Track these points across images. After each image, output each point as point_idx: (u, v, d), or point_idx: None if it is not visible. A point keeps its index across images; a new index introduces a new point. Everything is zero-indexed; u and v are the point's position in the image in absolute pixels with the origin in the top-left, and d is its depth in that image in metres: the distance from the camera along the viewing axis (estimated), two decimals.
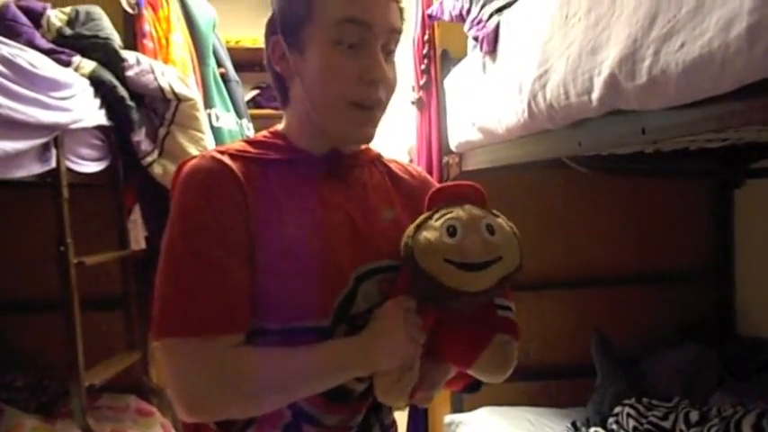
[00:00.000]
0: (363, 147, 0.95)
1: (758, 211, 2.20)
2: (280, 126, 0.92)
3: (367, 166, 0.95)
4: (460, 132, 1.96)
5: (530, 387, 2.26)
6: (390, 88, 0.86)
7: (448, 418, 2.24)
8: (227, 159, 0.82)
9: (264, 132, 0.92)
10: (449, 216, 0.78)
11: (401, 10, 0.85)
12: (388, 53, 0.84)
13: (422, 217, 0.81)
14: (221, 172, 0.80)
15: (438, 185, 0.85)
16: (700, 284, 2.34)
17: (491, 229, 0.77)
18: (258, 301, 0.79)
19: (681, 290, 2.34)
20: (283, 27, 0.84)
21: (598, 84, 0.96)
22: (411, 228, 0.80)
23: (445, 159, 2.16)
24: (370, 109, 0.84)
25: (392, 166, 0.99)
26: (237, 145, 0.88)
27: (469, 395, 2.15)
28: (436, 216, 0.79)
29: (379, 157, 0.99)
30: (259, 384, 0.78)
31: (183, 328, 0.76)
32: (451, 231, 0.76)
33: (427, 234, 0.77)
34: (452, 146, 2.08)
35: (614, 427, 1.81)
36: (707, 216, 2.33)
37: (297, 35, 0.82)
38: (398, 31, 0.84)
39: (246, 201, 0.80)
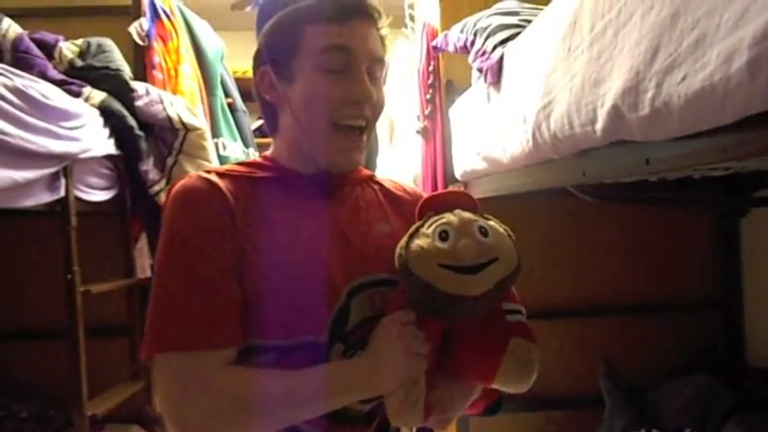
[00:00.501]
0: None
1: (764, 240, 2.20)
2: (268, 152, 0.94)
3: (359, 184, 0.96)
4: (465, 161, 1.98)
5: (536, 417, 2.22)
6: (377, 108, 0.88)
7: None
8: (214, 177, 0.83)
9: (253, 158, 0.95)
10: (440, 222, 0.77)
11: (382, 38, 0.87)
12: (373, 78, 0.86)
13: (413, 227, 0.80)
14: (208, 190, 0.82)
15: (427, 195, 0.85)
16: (707, 314, 2.32)
17: (484, 231, 0.76)
18: (251, 319, 0.79)
19: (688, 319, 2.32)
20: (271, 58, 0.86)
21: (601, 115, 0.97)
22: (404, 239, 0.79)
23: (450, 188, 2.17)
24: (357, 133, 0.86)
25: (386, 183, 1.00)
26: (226, 165, 0.90)
27: (477, 423, 2.13)
28: (427, 224, 0.79)
29: (371, 177, 1.00)
30: (253, 405, 0.77)
31: (171, 343, 0.76)
32: (444, 236, 0.75)
33: (419, 241, 0.76)
34: (457, 174, 2.09)
35: None
36: (713, 245, 2.32)
37: (285, 65, 0.85)
38: (380, 60, 0.87)
39: (234, 218, 0.81)
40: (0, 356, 2.17)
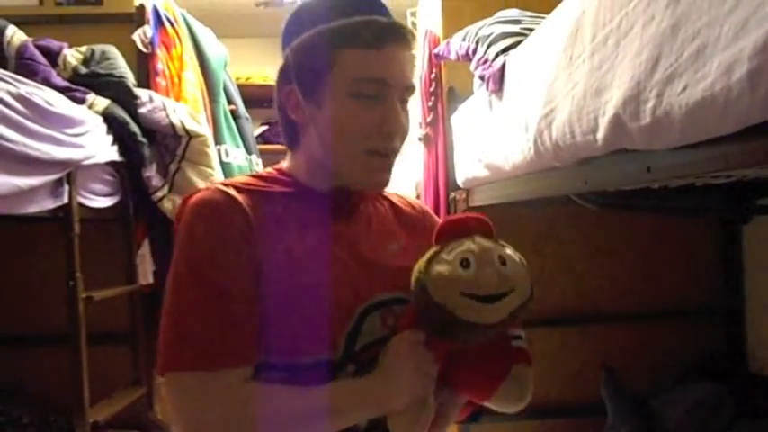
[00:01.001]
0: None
1: (766, 247, 2.19)
2: (284, 164, 0.93)
3: (371, 201, 0.96)
4: (467, 168, 1.98)
5: (539, 425, 2.22)
6: (405, 137, 0.88)
7: None
8: (233, 192, 0.83)
9: (269, 169, 0.93)
10: (461, 249, 0.78)
11: (413, 61, 0.87)
12: (403, 103, 0.86)
13: (432, 251, 0.81)
14: (228, 204, 0.81)
15: (445, 218, 0.85)
16: (709, 321, 2.31)
17: (503, 261, 0.77)
18: (263, 335, 0.79)
19: (690, 326, 2.31)
20: (300, 78, 0.84)
21: (603, 124, 0.97)
22: (422, 262, 0.80)
23: (452, 195, 2.17)
24: (386, 156, 0.86)
25: (394, 199, 1.00)
26: (242, 178, 0.89)
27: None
28: (447, 249, 0.79)
29: (381, 192, 1.00)
30: (265, 422, 0.77)
31: (189, 361, 0.76)
32: (465, 264, 0.76)
33: (440, 267, 0.77)
34: (459, 182, 2.10)
35: None
36: (715, 252, 2.32)
37: (314, 87, 0.83)
38: (412, 87, 0.87)
39: (252, 233, 0.80)
40: (2, 362, 2.17)
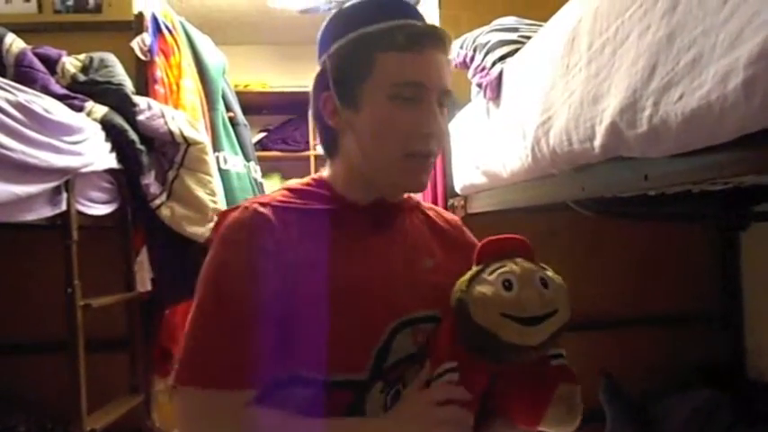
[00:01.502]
0: (405, 195, 0.96)
1: (764, 254, 2.20)
2: (324, 173, 0.93)
3: (408, 214, 0.96)
4: (465, 175, 1.98)
5: None
6: (443, 139, 0.88)
7: None
8: (268, 212, 0.82)
9: (308, 179, 0.93)
10: (503, 270, 0.78)
11: (449, 64, 0.87)
12: (440, 106, 0.86)
13: (473, 271, 0.80)
14: (261, 227, 0.81)
15: (487, 238, 0.85)
16: (708, 328, 2.31)
17: (545, 283, 0.77)
18: (295, 350, 0.79)
19: (689, 334, 2.31)
20: (337, 83, 0.84)
21: (600, 131, 0.98)
22: (463, 281, 0.79)
23: (450, 202, 2.18)
24: (424, 158, 0.86)
25: (430, 213, 1.00)
26: (280, 194, 0.88)
27: None
28: (488, 270, 0.79)
29: (418, 205, 1.00)
30: None
31: (198, 379, 0.78)
32: (507, 285, 0.76)
33: (482, 288, 0.77)
34: (457, 188, 2.10)
35: None
36: (713, 259, 2.33)
37: (353, 91, 0.84)
38: (449, 91, 0.87)
39: (284, 253, 0.80)
40: None
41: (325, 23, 0.89)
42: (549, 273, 0.81)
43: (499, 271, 0.78)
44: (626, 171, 1.00)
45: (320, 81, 0.87)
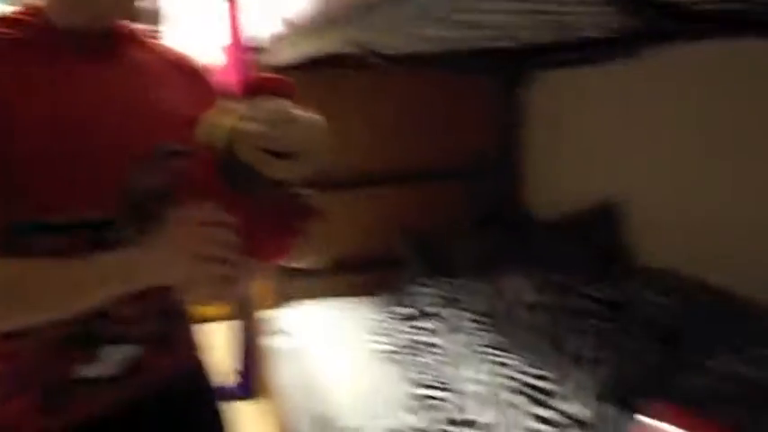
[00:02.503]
0: (122, 23, 0.88)
1: (544, 103, 2.39)
2: None
3: (136, 47, 0.89)
4: (267, 25, 1.90)
5: (340, 280, 2.33)
6: None
7: (271, 314, 2.29)
8: None
9: (21, 8, 0.82)
10: (263, 107, 0.76)
11: None
12: None
13: (231, 106, 0.78)
14: None
15: (249, 76, 0.81)
16: (494, 176, 2.51)
17: (303, 121, 0.77)
18: (28, 193, 0.73)
19: (476, 182, 2.50)
20: None
21: None
22: (221, 115, 0.76)
23: (252, 54, 2.09)
24: None
25: (167, 49, 0.94)
26: None
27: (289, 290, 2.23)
28: (249, 106, 0.76)
29: (144, 39, 0.92)
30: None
31: None
32: (267, 122, 0.74)
33: (242, 124, 0.74)
34: (258, 39, 2.02)
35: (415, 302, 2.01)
36: (497, 109, 2.47)
37: None
38: None
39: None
40: None
41: None
42: (309, 113, 0.81)
43: (260, 108, 0.77)
44: None
45: None
